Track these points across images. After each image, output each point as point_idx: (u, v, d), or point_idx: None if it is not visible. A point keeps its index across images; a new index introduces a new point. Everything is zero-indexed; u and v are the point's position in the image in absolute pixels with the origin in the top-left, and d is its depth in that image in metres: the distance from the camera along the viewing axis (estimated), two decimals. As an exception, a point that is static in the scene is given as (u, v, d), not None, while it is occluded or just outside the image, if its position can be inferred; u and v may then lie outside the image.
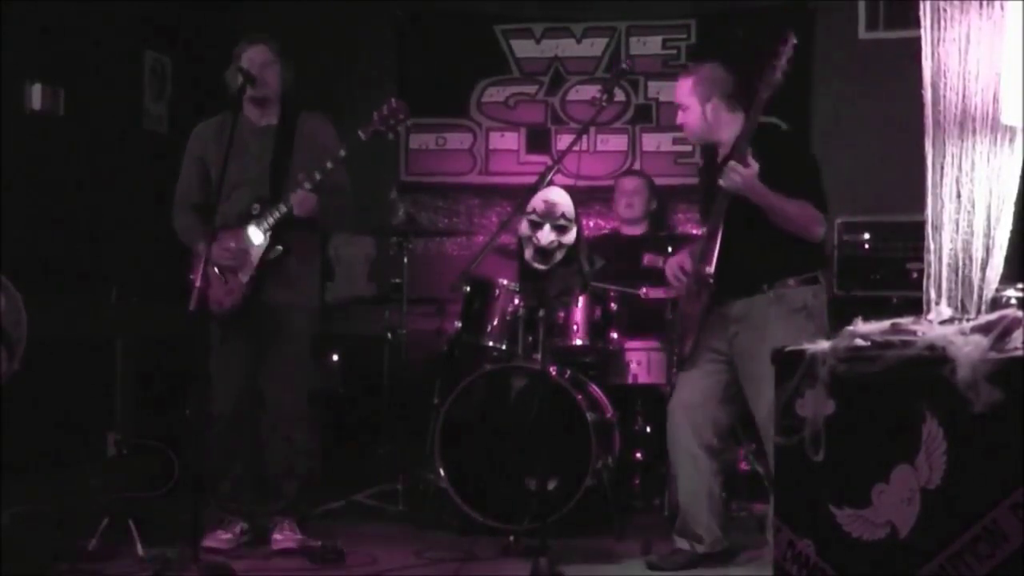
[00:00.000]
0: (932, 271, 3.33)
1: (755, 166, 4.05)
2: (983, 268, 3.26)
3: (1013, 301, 3.24)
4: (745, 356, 4.21)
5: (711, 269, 4.19)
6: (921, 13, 3.35)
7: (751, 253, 4.19)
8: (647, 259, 5.77)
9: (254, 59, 4.59)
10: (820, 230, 4.25)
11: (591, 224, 6.31)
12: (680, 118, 4.44)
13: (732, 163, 4.08)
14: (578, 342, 5.27)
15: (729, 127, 4.32)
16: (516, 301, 5.22)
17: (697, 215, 6.50)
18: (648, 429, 5.48)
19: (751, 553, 4.49)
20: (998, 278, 3.30)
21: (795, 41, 4.06)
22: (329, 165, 4.50)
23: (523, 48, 6.81)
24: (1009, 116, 3.27)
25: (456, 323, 5.30)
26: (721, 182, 4.11)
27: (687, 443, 4.37)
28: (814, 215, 4.20)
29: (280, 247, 4.59)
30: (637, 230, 6.02)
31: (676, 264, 4.46)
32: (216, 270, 4.55)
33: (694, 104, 4.35)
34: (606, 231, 6.25)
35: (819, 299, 4.28)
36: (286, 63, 4.71)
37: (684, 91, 4.38)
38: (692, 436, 4.35)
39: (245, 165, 4.59)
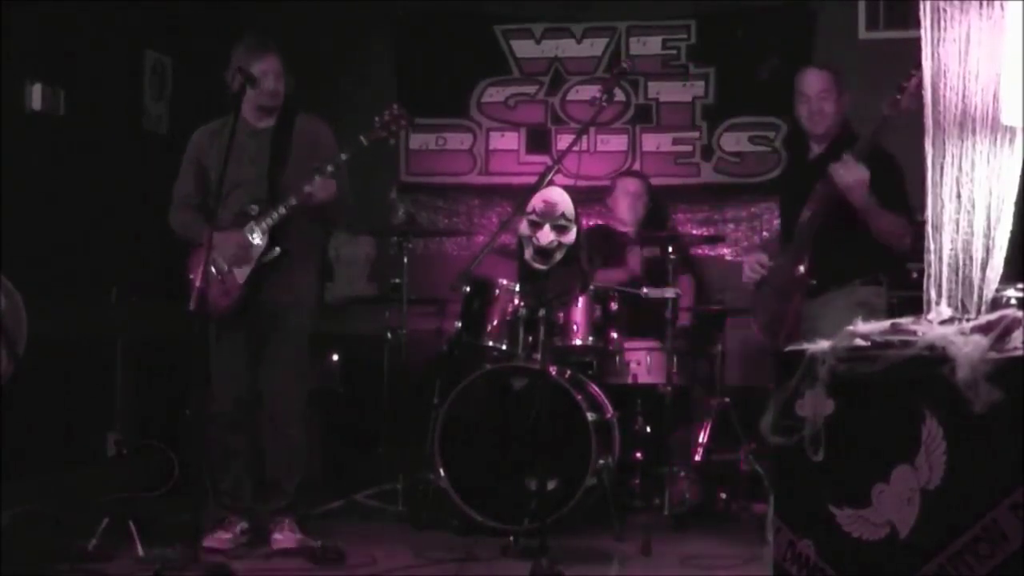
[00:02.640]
0: (932, 271, 3.32)
1: (866, 172, 4.15)
2: (983, 268, 3.26)
3: (1013, 301, 3.23)
4: None
5: (804, 269, 4.30)
6: (921, 13, 3.34)
7: (828, 255, 4.28)
8: (646, 251, 5.75)
9: (267, 70, 4.59)
10: (908, 241, 4.32)
11: (592, 224, 6.30)
12: (811, 107, 4.46)
13: (848, 158, 4.16)
14: (578, 342, 5.27)
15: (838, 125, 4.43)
16: (516, 301, 5.21)
17: (696, 215, 6.55)
18: (648, 429, 5.48)
19: (751, 553, 4.49)
20: (998, 278, 3.29)
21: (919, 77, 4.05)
22: (343, 157, 4.53)
23: (523, 48, 6.81)
24: (1009, 116, 3.27)
25: (456, 323, 5.30)
26: (837, 175, 4.18)
27: None
28: (905, 228, 4.28)
29: (278, 248, 4.59)
30: (628, 228, 6.00)
31: (755, 260, 4.55)
32: (214, 270, 4.55)
33: (834, 93, 4.44)
34: (592, 226, 6.21)
35: (880, 299, 4.37)
36: (290, 72, 4.73)
37: (828, 82, 4.46)
38: None
39: (243, 167, 4.59)
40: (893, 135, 4.20)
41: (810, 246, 4.33)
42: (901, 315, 3.10)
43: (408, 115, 4.66)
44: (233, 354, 4.67)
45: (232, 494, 4.73)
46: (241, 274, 4.59)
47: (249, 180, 4.63)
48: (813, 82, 4.49)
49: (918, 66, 3.73)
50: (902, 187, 4.33)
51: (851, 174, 4.16)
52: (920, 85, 3.82)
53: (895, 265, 4.44)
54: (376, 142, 4.63)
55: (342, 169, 4.58)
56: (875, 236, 4.27)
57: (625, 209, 5.98)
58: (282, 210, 4.54)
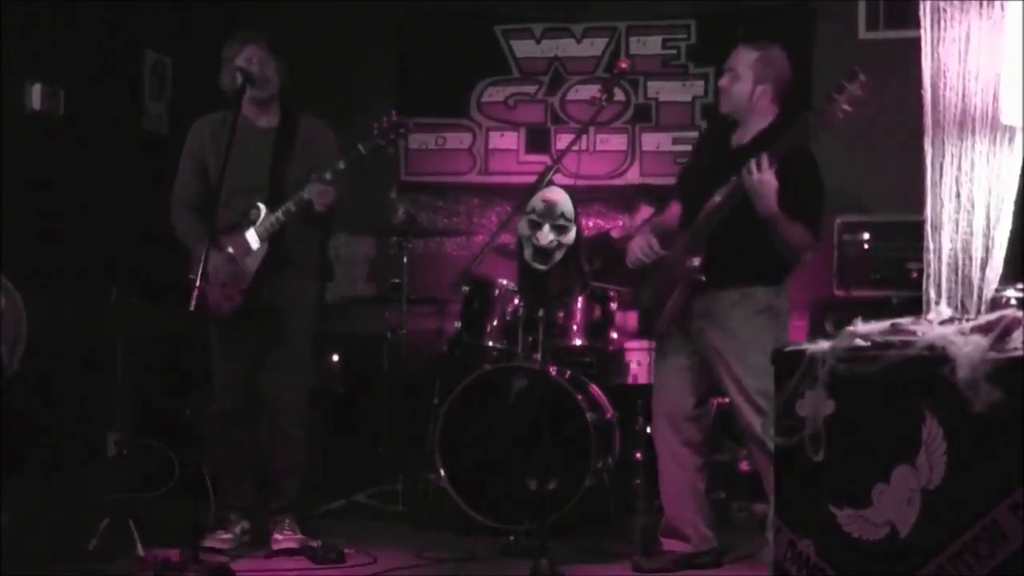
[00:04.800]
0: (932, 271, 3.32)
1: (772, 181, 3.94)
2: (983, 268, 3.26)
3: (1013, 301, 3.23)
4: (713, 355, 4.21)
5: (698, 263, 4.13)
6: (921, 13, 3.34)
7: (724, 251, 4.12)
8: None
9: (251, 58, 4.58)
10: (807, 257, 4.21)
11: (591, 224, 6.31)
12: (724, 82, 4.29)
13: (762, 161, 3.93)
14: (578, 342, 5.27)
15: (763, 116, 4.24)
16: (516, 301, 5.22)
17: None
18: (648, 429, 5.47)
19: (751, 553, 4.49)
20: (998, 278, 3.30)
21: (864, 79, 3.82)
22: (341, 166, 4.50)
23: (523, 48, 6.82)
24: (1009, 116, 3.27)
25: (456, 323, 5.30)
26: (744, 177, 3.97)
27: (667, 443, 4.38)
28: (809, 244, 4.14)
29: (278, 253, 4.59)
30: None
31: (645, 243, 4.34)
32: (216, 274, 4.54)
33: (748, 77, 4.23)
34: (597, 233, 6.21)
35: (782, 299, 4.25)
36: (281, 59, 4.70)
37: (744, 61, 4.25)
38: (672, 435, 4.36)
39: (245, 169, 4.56)
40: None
41: (706, 239, 4.12)
42: (901, 315, 3.10)
43: (407, 121, 4.60)
44: (235, 355, 4.66)
45: (233, 493, 4.73)
46: (243, 280, 4.58)
47: (251, 183, 4.61)
48: (732, 55, 4.30)
49: (855, 73, 3.75)
50: (814, 193, 4.15)
51: (759, 179, 3.93)
52: (859, 98, 3.80)
53: (793, 266, 4.23)
54: (374, 151, 4.57)
55: (336, 179, 4.54)
56: (776, 246, 4.07)
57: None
58: (281, 216, 4.53)
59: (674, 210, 4.48)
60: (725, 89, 4.31)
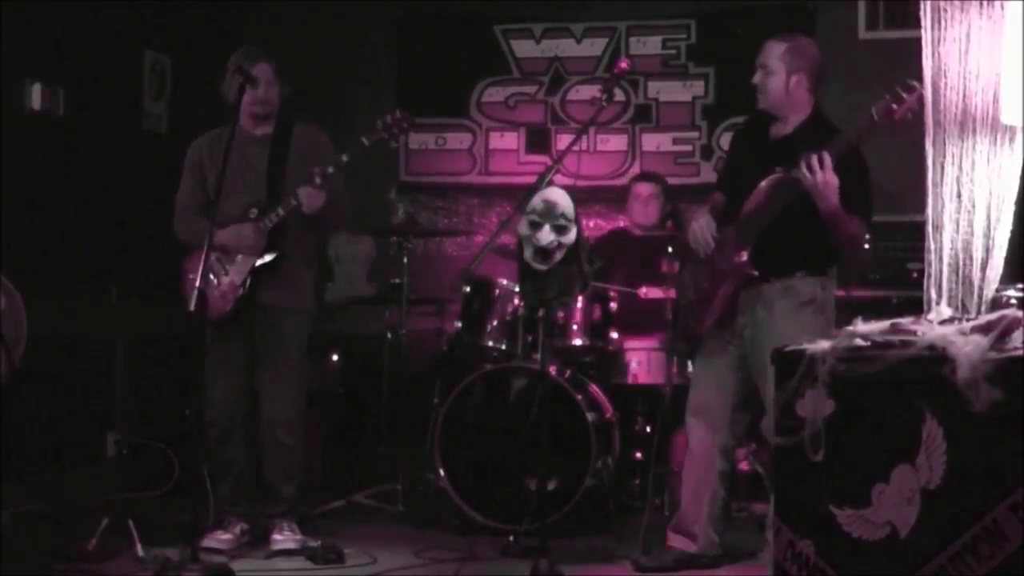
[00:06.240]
0: (932, 271, 3.33)
1: (835, 180, 3.90)
2: (983, 268, 3.27)
3: (1013, 301, 3.24)
4: (755, 349, 4.13)
5: (747, 258, 4.12)
6: (921, 13, 3.35)
7: (768, 243, 4.11)
8: (665, 266, 5.73)
9: (260, 77, 4.59)
10: (865, 246, 4.23)
11: (592, 224, 6.30)
12: (759, 78, 4.26)
13: (825, 160, 3.88)
14: (578, 342, 5.27)
15: (802, 107, 4.21)
16: (516, 301, 5.22)
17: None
18: (648, 429, 5.48)
19: (751, 553, 4.49)
20: (998, 278, 3.30)
21: (920, 91, 3.67)
22: (344, 158, 4.53)
23: (523, 48, 6.82)
24: (1009, 116, 3.28)
25: (456, 323, 5.30)
26: (804, 175, 3.91)
27: (701, 443, 4.34)
28: (864, 236, 4.14)
29: (267, 256, 4.59)
30: (643, 231, 5.98)
31: (704, 227, 4.29)
32: (212, 275, 4.54)
33: (780, 70, 4.20)
34: (612, 229, 6.21)
35: (828, 291, 4.20)
36: (284, 79, 4.74)
37: (774, 54, 4.23)
38: (709, 437, 4.31)
39: (242, 172, 4.60)
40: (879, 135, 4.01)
41: (755, 235, 4.11)
42: (901, 315, 3.11)
43: (410, 118, 4.67)
44: (230, 356, 4.66)
45: (230, 500, 4.72)
46: (237, 277, 4.59)
47: (248, 185, 4.63)
48: (762, 51, 4.28)
49: (914, 87, 3.67)
50: (868, 188, 4.13)
51: (823, 179, 3.88)
52: (921, 100, 3.72)
53: (841, 256, 4.22)
54: (377, 144, 4.62)
55: (340, 172, 4.56)
56: (833, 241, 4.05)
57: (639, 214, 5.95)
58: (274, 218, 4.55)
59: (721, 196, 4.46)
60: (760, 85, 4.28)
